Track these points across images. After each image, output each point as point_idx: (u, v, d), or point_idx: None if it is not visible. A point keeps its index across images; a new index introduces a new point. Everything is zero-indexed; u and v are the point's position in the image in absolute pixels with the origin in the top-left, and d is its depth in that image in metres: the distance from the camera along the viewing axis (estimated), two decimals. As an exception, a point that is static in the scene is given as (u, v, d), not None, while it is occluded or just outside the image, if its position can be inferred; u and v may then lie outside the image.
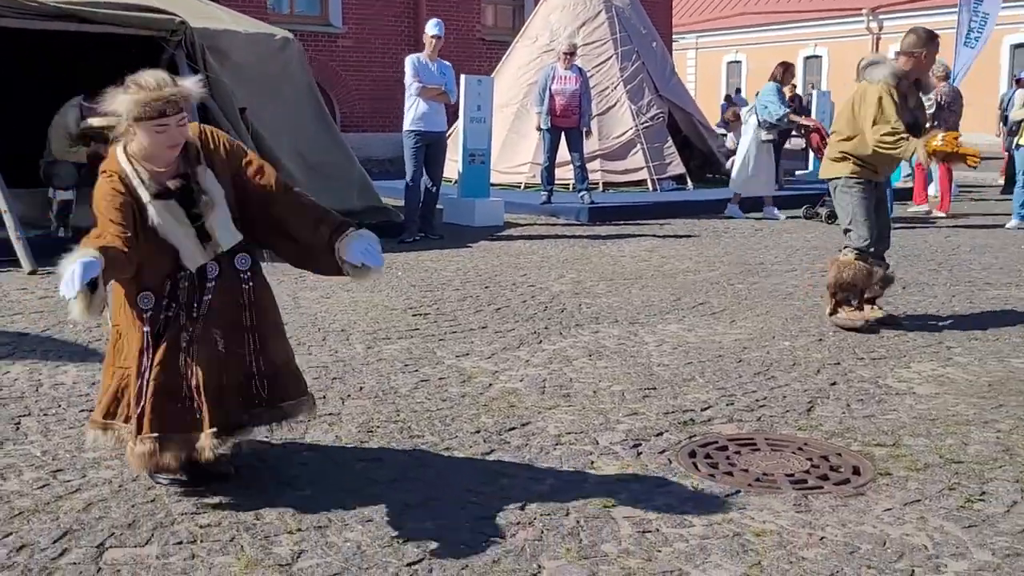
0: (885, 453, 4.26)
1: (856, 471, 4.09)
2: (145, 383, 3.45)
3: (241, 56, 10.15)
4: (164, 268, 3.52)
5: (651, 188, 14.23)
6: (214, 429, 3.48)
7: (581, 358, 5.73)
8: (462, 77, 11.18)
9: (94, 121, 8.89)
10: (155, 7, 9.46)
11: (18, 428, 4.33)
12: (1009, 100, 16.19)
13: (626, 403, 4.90)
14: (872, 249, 6.51)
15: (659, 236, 10.88)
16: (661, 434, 4.48)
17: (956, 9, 32.54)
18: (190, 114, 3.61)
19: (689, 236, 10.93)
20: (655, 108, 14.90)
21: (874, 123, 6.11)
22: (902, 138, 6.11)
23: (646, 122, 14.66)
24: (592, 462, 4.11)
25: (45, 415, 4.52)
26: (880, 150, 6.17)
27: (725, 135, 16.40)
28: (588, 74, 12.86)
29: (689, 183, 14.67)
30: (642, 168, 14.41)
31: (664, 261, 9.17)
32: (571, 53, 12.23)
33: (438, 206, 10.94)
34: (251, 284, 3.67)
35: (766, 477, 4.01)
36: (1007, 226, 11.80)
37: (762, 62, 38.76)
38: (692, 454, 4.26)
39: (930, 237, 11.06)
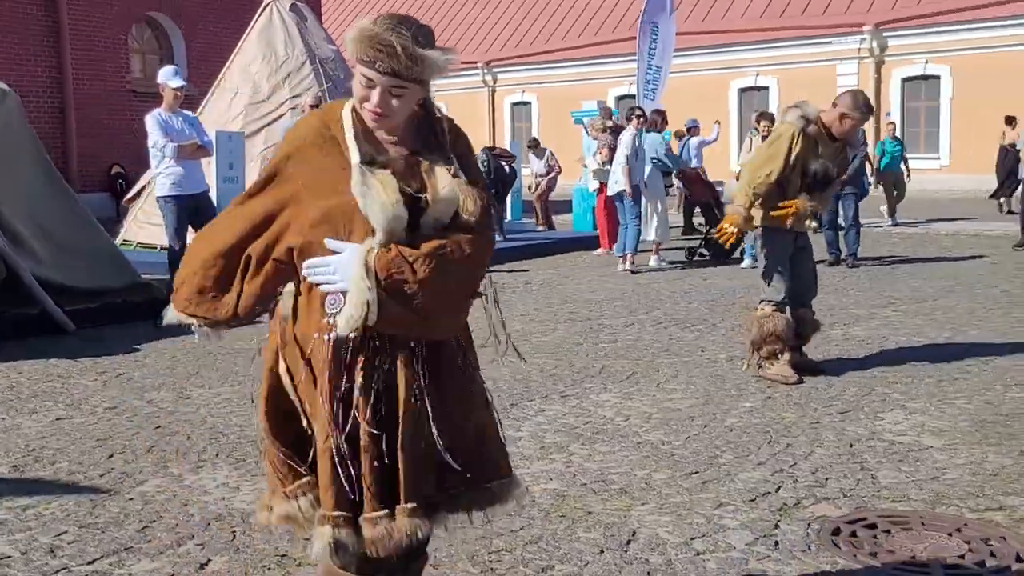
0: (1005, 517, 4.12)
1: (1004, 540, 3.91)
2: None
3: (-41, 112, 8.45)
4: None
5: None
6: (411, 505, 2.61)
7: (571, 444, 5.15)
8: (213, 133, 10.05)
9: None
10: None
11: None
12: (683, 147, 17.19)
13: (694, 493, 4.42)
14: (787, 301, 6.47)
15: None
16: (777, 525, 4.06)
17: (569, 63, 34.73)
18: (423, 92, 2.63)
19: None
20: (373, 162, 14.31)
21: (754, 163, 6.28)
22: (752, 202, 6.33)
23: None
24: (764, 572, 3.61)
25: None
26: (746, 189, 6.32)
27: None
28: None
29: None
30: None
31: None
32: (317, 106, 11.40)
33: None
34: None
35: (953, 562, 3.72)
36: (743, 266, 12.41)
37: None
38: (835, 544, 3.88)
39: (687, 281, 11.40)
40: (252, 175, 12.58)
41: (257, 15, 15.25)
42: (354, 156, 2.57)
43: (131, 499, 4.35)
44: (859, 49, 29.48)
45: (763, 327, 6.33)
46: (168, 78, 9.34)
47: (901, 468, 4.74)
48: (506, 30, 37.81)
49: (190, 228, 8.98)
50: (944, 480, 4.57)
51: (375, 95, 2.54)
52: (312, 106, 11.37)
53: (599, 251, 14.05)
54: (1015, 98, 24.63)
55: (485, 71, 37.24)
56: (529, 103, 36.79)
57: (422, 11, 40.57)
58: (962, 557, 3.77)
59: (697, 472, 4.70)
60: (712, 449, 5.04)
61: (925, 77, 28.93)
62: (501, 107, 37.77)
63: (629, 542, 3.88)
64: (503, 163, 14.43)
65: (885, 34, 29.11)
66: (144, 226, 13.66)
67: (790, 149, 6.29)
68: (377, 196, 2.50)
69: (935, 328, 8.13)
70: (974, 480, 4.56)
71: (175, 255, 9.03)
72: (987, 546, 3.85)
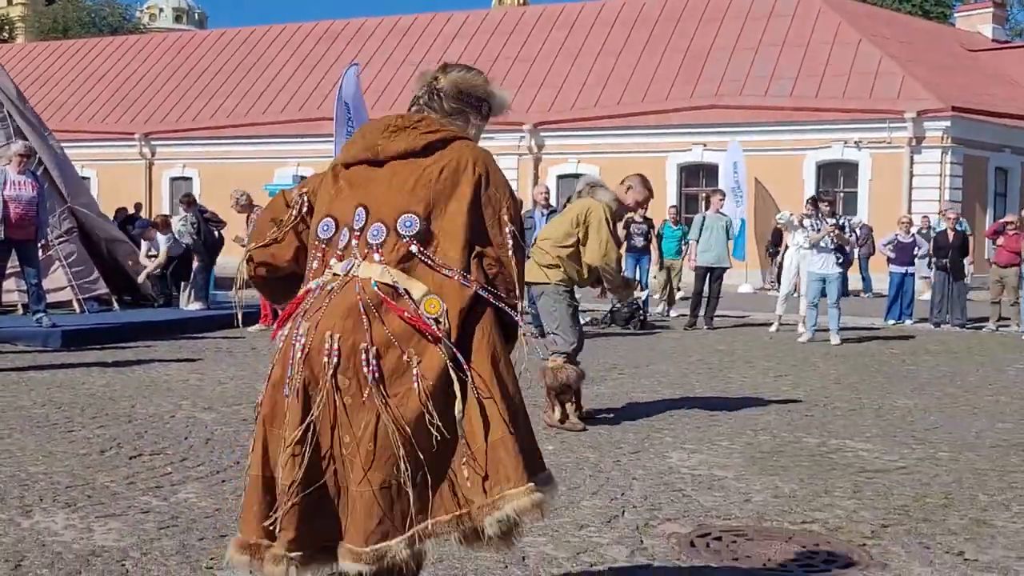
0: (820, 527, 4.71)
1: (829, 544, 4.49)
2: None
3: None
4: None
5: (78, 310, 12.82)
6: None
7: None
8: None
9: None
10: None
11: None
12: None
13: (553, 519, 4.64)
14: (577, 351, 6.94)
15: (183, 359, 9.92)
16: (642, 540, 4.43)
17: (232, 140, 34.07)
18: None
19: (199, 359, 10.11)
20: (68, 221, 13.53)
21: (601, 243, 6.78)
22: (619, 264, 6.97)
23: (62, 237, 13.23)
24: None
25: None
26: (603, 265, 6.79)
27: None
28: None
29: (115, 304, 13.51)
30: (65, 288, 12.94)
31: (247, 387, 8.50)
32: (27, 155, 10.71)
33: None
34: None
35: (804, 563, 4.23)
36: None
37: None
38: (700, 553, 4.29)
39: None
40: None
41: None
42: None
43: (-23, 542, 3.98)
44: (519, 146, 31.47)
45: (557, 377, 6.74)
46: None
47: (714, 494, 5.26)
48: (166, 103, 36.74)
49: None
50: (755, 502, 5.13)
51: None
52: (22, 155, 10.68)
53: (256, 326, 12.41)
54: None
55: (143, 143, 35.94)
56: (190, 178, 35.82)
57: (69, 76, 38.76)
58: (810, 559, 4.30)
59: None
60: (558, 490, 5.34)
61: (576, 175, 31.34)
62: (159, 181, 36.50)
63: (524, 559, 4.08)
64: (213, 228, 14.09)
65: (543, 134, 31.33)
66: None
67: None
68: None
69: (667, 388, 8.92)
70: (778, 501, 5.15)
71: None
72: (820, 550, 4.41)
